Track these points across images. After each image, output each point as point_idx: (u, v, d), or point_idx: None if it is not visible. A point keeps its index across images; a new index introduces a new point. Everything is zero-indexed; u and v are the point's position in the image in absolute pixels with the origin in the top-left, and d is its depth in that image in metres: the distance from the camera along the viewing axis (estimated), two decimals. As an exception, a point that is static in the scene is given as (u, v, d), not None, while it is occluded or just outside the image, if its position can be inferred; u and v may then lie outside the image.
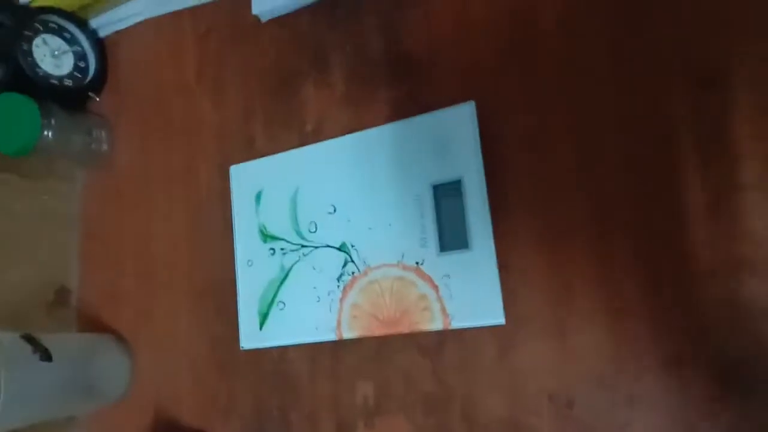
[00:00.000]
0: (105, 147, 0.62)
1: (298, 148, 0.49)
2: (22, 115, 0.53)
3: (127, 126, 0.62)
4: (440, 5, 0.46)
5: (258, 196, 0.50)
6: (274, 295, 0.48)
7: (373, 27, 0.49)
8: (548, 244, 0.41)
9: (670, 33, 0.39)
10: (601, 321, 0.39)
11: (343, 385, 0.46)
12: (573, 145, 0.41)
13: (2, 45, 0.55)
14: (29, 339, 0.48)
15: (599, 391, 0.38)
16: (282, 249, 0.48)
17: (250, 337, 0.49)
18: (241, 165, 0.52)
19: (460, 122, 0.42)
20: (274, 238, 0.49)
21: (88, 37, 0.61)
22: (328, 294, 0.46)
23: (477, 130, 0.42)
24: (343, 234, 0.46)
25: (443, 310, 0.41)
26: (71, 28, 0.60)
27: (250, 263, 0.50)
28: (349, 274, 0.45)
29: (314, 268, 0.46)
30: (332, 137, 0.48)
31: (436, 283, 0.42)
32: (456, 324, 0.41)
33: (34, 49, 0.56)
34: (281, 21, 0.54)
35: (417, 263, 0.43)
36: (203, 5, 0.58)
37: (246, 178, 0.51)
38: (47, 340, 0.49)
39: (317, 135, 0.50)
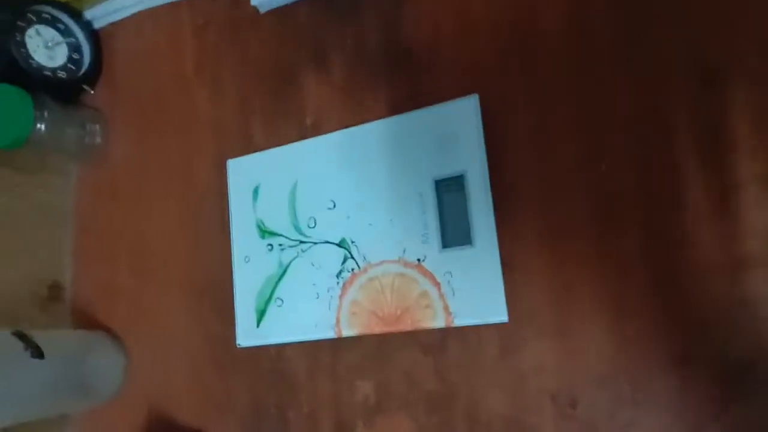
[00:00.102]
0: (99, 140, 0.60)
1: (297, 142, 0.48)
2: (15, 107, 0.52)
3: (122, 119, 0.61)
4: (443, -3, 0.46)
5: (256, 191, 0.49)
6: (272, 292, 0.47)
7: (374, 19, 0.48)
8: (552, 241, 0.40)
9: (673, 31, 0.38)
10: (604, 319, 0.38)
11: (343, 383, 0.46)
12: (577, 141, 0.40)
13: (-6, 36, 0.54)
14: (21, 336, 0.47)
15: (602, 391, 0.38)
16: (280, 245, 0.47)
17: (247, 334, 0.48)
18: (239, 159, 0.51)
19: (463, 116, 0.42)
20: (272, 233, 0.48)
21: (82, 29, 0.60)
22: (328, 291, 0.45)
23: (480, 124, 0.41)
24: (343, 230, 0.45)
25: (445, 307, 0.40)
26: (65, 19, 0.59)
27: (247, 259, 0.49)
28: (348, 271, 0.44)
29: (313, 265, 0.46)
30: (332, 131, 0.47)
31: (438, 280, 0.41)
32: (458, 322, 0.40)
33: (27, 40, 0.55)
34: (280, 12, 0.53)
35: (419, 260, 0.42)
36: (200, -4, 0.57)
37: (243, 172, 0.50)
38: (39, 336, 0.48)
39: (316, 129, 0.49)
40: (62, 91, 0.59)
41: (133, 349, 0.56)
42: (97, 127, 0.60)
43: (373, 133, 0.45)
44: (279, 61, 0.52)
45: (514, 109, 0.42)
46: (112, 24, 0.62)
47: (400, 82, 0.46)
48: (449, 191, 0.42)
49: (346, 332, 0.44)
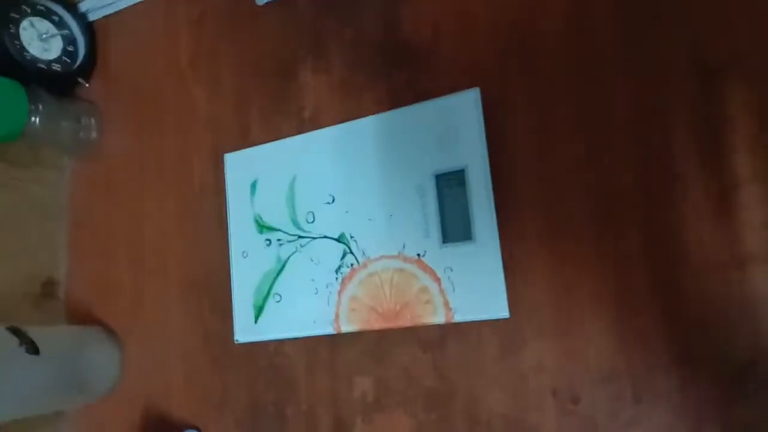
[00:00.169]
0: (94, 134, 0.60)
1: (295, 135, 0.48)
2: (9, 99, 0.51)
3: (118, 113, 0.60)
4: (443, -10, 0.45)
5: (254, 185, 0.49)
6: (270, 288, 0.47)
7: (374, 11, 0.48)
8: (553, 237, 0.40)
9: (673, 30, 0.38)
10: (607, 316, 0.38)
11: (341, 379, 0.45)
12: (578, 137, 0.40)
13: (-13, 27, 0.53)
14: (15, 331, 0.46)
15: (604, 389, 0.37)
16: (278, 240, 0.47)
17: (245, 330, 0.47)
18: (237, 153, 0.50)
19: (464, 109, 0.41)
20: (270, 228, 0.47)
21: (77, 21, 0.59)
22: (326, 286, 0.44)
23: (482, 118, 0.41)
24: (342, 224, 0.44)
25: (446, 303, 0.40)
26: (60, 11, 0.58)
27: (245, 254, 0.48)
28: (347, 266, 0.44)
29: (312, 260, 0.45)
30: (331, 125, 0.47)
31: (439, 275, 0.41)
32: (459, 317, 0.40)
33: (21, 32, 0.54)
34: (278, 4, 0.52)
35: (418, 255, 0.41)
36: (197, -12, 0.56)
37: (241, 166, 0.50)
38: (34, 332, 0.47)
39: (315, 122, 0.49)
40: (57, 83, 0.58)
41: (128, 345, 0.56)
42: (92, 120, 0.59)
43: (372, 127, 0.45)
44: (277, 54, 0.52)
45: (514, 105, 0.42)
46: (107, 16, 0.61)
47: (400, 76, 0.46)
48: (450, 186, 0.41)
49: (345, 328, 0.43)
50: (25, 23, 0.55)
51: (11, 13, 0.54)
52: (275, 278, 0.46)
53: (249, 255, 0.48)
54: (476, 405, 0.41)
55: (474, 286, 0.40)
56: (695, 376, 0.36)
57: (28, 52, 0.55)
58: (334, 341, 0.46)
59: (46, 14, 0.57)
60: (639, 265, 0.37)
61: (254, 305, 0.47)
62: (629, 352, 0.37)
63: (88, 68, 0.60)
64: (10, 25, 0.54)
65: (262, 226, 0.48)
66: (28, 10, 0.55)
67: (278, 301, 0.46)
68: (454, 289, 0.40)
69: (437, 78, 0.44)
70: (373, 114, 0.45)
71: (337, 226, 0.45)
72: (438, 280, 0.41)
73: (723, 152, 0.36)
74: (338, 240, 0.44)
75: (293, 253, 0.46)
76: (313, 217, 0.46)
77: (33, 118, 0.53)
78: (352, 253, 0.44)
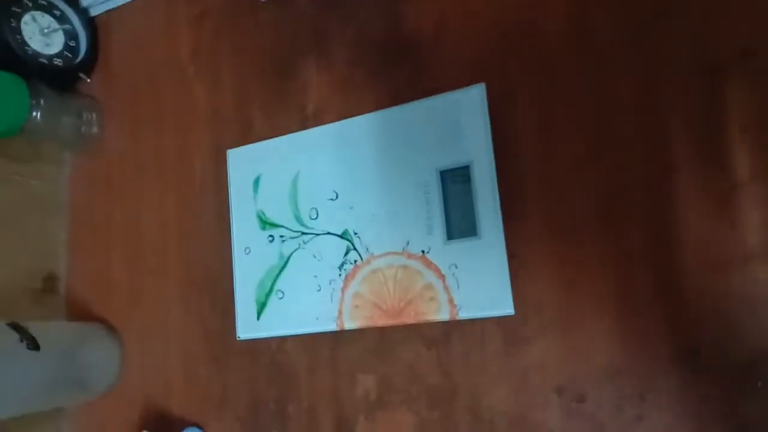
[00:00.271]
0: (95, 130, 0.60)
1: (298, 132, 0.48)
2: (10, 94, 0.51)
3: (119, 109, 0.60)
4: (448, -15, 0.45)
5: (257, 182, 0.48)
6: (273, 284, 0.46)
7: (376, 7, 0.47)
8: (558, 233, 0.40)
9: (678, 27, 0.38)
10: (611, 314, 0.38)
11: (344, 377, 0.45)
12: (584, 133, 0.40)
13: (-11, 21, 0.53)
14: (16, 327, 0.46)
15: (609, 386, 0.37)
16: (281, 236, 0.47)
17: (247, 327, 0.47)
18: (239, 149, 0.50)
19: (469, 105, 0.41)
20: (273, 224, 0.47)
21: (79, 16, 0.59)
22: (330, 283, 0.44)
23: (487, 113, 0.40)
24: (346, 221, 0.44)
25: (450, 299, 0.40)
26: (61, 5, 0.58)
27: (247, 251, 0.48)
28: (351, 263, 0.44)
29: (315, 256, 0.45)
30: (334, 121, 0.46)
31: (443, 272, 0.40)
32: (464, 314, 0.39)
33: (22, 26, 0.54)
34: (279, 1, 0.52)
35: (423, 251, 0.41)
36: (199, -16, 0.56)
37: (244, 162, 0.49)
38: (35, 328, 0.47)
39: (318, 119, 0.48)
40: (58, 78, 0.58)
41: (129, 341, 0.55)
42: (93, 116, 0.59)
43: (376, 124, 0.44)
44: (279, 50, 0.51)
45: (519, 101, 0.42)
46: (109, 11, 0.61)
47: (403, 72, 0.46)
48: (455, 182, 0.41)
49: (349, 325, 0.43)
50: (26, 18, 0.55)
51: (13, 8, 0.53)
52: (278, 275, 0.46)
53: (251, 251, 0.48)
54: (480, 403, 0.40)
55: (479, 283, 0.39)
56: (700, 373, 0.35)
57: (29, 46, 0.54)
58: (337, 338, 0.45)
59: (48, 9, 0.57)
60: (643, 263, 0.37)
61: (256, 302, 0.47)
62: (634, 349, 0.37)
63: (89, 63, 0.60)
64: (12, 20, 0.53)
65: (264, 223, 0.47)
66: (30, 5, 0.55)
67: (281, 298, 0.46)
68: (458, 286, 0.40)
69: (441, 74, 0.44)
70: (377, 110, 0.45)
71: (340, 223, 0.44)
72: (442, 276, 0.40)
73: (725, 151, 0.36)
74: (342, 236, 0.44)
75: (296, 250, 0.46)
76: (317, 214, 0.45)
77: (34, 113, 0.53)
78: (355, 249, 0.43)
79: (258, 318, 0.47)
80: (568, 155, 0.40)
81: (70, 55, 0.58)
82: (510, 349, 0.40)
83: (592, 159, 0.39)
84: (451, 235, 0.41)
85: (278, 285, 0.46)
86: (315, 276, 0.45)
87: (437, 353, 0.42)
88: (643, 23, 0.39)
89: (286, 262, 0.46)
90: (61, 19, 0.58)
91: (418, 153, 0.42)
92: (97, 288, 0.58)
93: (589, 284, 0.38)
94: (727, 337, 0.35)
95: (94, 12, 0.61)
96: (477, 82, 0.42)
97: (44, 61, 0.55)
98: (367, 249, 0.43)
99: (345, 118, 0.46)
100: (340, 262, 0.44)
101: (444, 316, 0.40)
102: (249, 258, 0.48)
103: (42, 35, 0.56)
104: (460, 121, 0.41)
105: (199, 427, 0.50)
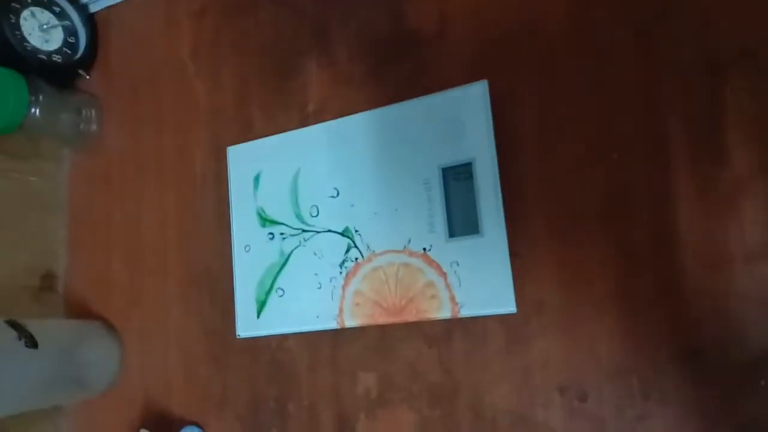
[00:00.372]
0: (94, 127, 0.59)
1: (299, 129, 0.47)
2: (9, 90, 0.51)
3: (118, 106, 0.59)
4: (450, -19, 0.45)
5: (257, 179, 0.48)
6: (273, 282, 0.46)
7: (378, 4, 0.47)
8: (561, 231, 0.39)
9: (684, 23, 0.38)
10: (614, 312, 0.38)
11: (345, 375, 0.45)
12: (587, 130, 0.39)
13: (-12, 17, 0.52)
14: (14, 325, 0.46)
15: (612, 384, 0.37)
16: (281, 234, 0.46)
17: (247, 325, 0.47)
18: (239, 146, 0.50)
19: (472, 102, 0.41)
20: (274, 222, 0.47)
21: (78, 12, 0.58)
22: (330, 281, 0.44)
23: (490, 110, 0.40)
24: (347, 218, 0.44)
25: (452, 297, 0.40)
26: (61, 1, 0.58)
27: (247, 248, 0.48)
28: (352, 260, 0.43)
29: (315, 254, 0.45)
30: (335, 118, 0.46)
31: (445, 270, 0.40)
32: (465, 312, 0.39)
33: (22, 22, 0.54)
34: (282, -4, 0.52)
35: (424, 249, 0.41)
36: (199, -20, 0.56)
37: (244, 159, 0.49)
38: (33, 326, 0.47)
39: (319, 116, 0.48)
40: (57, 75, 0.57)
41: (128, 340, 0.55)
42: (93, 112, 0.59)
43: (377, 121, 0.44)
44: (280, 46, 0.51)
45: (522, 98, 0.41)
46: (109, 8, 0.61)
47: (405, 69, 0.45)
48: (456, 179, 0.41)
49: (349, 323, 0.43)
50: (26, 13, 0.54)
51: (12, 3, 0.53)
52: (278, 272, 0.46)
53: (252, 249, 0.47)
54: (481, 401, 0.40)
55: (480, 281, 0.39)
56: (704, 372, 0.35)
57: (28, 42, 0.54)
58: (338, 336, 0.45)
59: (47, 5, 0.56)
60: (645, 262, 0.37)
61: (257, 300, 0.47)
62: (636, 348, 0.37)
63: (88, 60, 0.60)
64: (11, 15, 0.53)
65: (265, 220, 0.47)
66: (29, 1, 0.55)
67: (281, 296, 0.46)
68: (460, 284, 0.40)
69: (443, 71, 0.44)
70: (379, 107, 0.44)
71: (341, 220, 0.44)
72: (444, 274, 0.40)
73: (726, 151, 0.36)
74: (342, 234, 0.44)
75: (296, 247, 0.45)
76: (317, 211, 0.45)
77: (33, 110, 0.53)
78: (356, 247, 0.43)
79: (258, 316, 0.46)
80: (570, 154, 0.40)
81: (69, 52, 0.58)
82: (512, 347, 0.40)
83: (596, 156, 0.39)
84: (452, 233, 0.40)
85: (278, 283, 0.46)
86: (315, 274, 0.44)
87: (438, 351, 0.42)
88: (644, 23, 0.39)
89: (287, 260, 0.46)
90: (61, 15, 0.57)
91: (419, 150, 0.42)
92: (96, 286, 0.58)
93: (591, 283, 0.38)
94: (729, 337, 0.35)
95: (93, 8, 0.61)
96: (479, 79, 0.41)
97: (43, 57, 0.55)
98: (368, 246, 0.43)
99: (347, 115, 0.46)
100: (340, 260, 0.44)
101: (445, 314, 0.40)
102: (249, 256, 0.48)
103: (41, 31, 0.55)
104: (462, 118, 0.41)
105: (198, 425, 0.49)
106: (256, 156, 0.48)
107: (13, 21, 0.53)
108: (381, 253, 0.42)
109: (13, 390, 0.45)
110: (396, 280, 0.42)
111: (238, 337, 0.47)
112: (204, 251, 0.52)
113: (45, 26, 0.56)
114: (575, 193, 0.39)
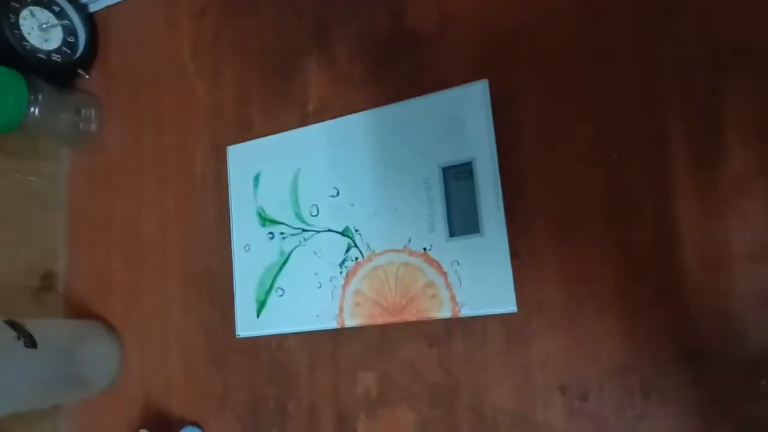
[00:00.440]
0: (94, 127, 0.59)
1: (299, 128, 0.47)
2: (8, 89, 0.50)
3: (118, 105, 0.59)
4: (450, -20, 0.45)
5: (257, 178, 0.48)
6: (273, 281, 0.46)
7: (378, 3, 0.47)
8: (562, 230, 0.39)
9: (687, 21, 0.37)
10: (615, 311, 0.37)
11: (344, 375, 0.45)
12: (588, 129, 0.39)
13: (-13, 16, 0.52)
14: (13, 324, 0.46)
15: (613, 384, 0.37)
16: (281, 233, 0.46)
17: (247, 324, 0.47)
18: (239, 145, 0.50)
19: (472, 101, 0.41)
20: (273, 221, 0.47)
21: (78, 11, 0.58)
22: (330, 280, 0.44)
23: (490, 109, 0.40)
24: (347, 218, 0.44)
25: (452, 297, 0.40)
26: (60, 1, 0.57)
27: (247, 248, 0.48)
28: (352, 260, 0.43)
29: (315, 254, 0.45)
30: (335, 117, 0.46)
31: (445, 269, 0.40)
32: (466, 312, 0.39)
33: (21, 21, 0.54)
34: (282, -5, 0.52)
35: (425, 249, 0.41)
36: (199, -21, 0.56)
37: (244, 159, 0.49)
38: (32, 325, 0.47)
39: (319, 115, 0.48)
40: (56, 74, 0.57)
41: (128, 340, 0.55)
42: (92, 112, 0.59)
43: (378, 120, 0.44)
44: (280, 46, 0.51)
45: (522, 97, 0.41)
46: (108, 7, 0.61)
47: (405, 68, 0.45)
48: (457, 179, 0.41)
49: (349, 322, 0.43)
50: (25, 13, 0.54)
51: (12, 2, 0.53)
52: (278, 272, 0.46)
53: (251, 248, 0.47)
54: (482, 401, 0.40)
55: (481, 281, 0.39)
56: (704, 371, 0.35)
57: (28, 42, 0.54)
58: (338, 336, 0.45)
59: (47, 4, 0.56)
60: (648, 260, 0.37)
61: (256, 299, 0.46)
62: (637, 348, 0.37)
63: (88, 59, 0.60)
64: (10, 15, 0.53)
65: (264, 219, 0.47)
66: (29, 0, 0.55)
67: (281, 296, 0.46)
68: (460, 283, 0.39)
69: (443, 70, 0.44)
70: (380, 106, 0.44)
71: (341, 220, 0.44)
72: (444, 274, 0.40)
73: (734, 147, 0.36)
74: (343, 233, 0.44)
75: (296, 247, 0.45)
76: (317, 211, 0.45)
77: (32, 109, 0.53)
78: (356, 246, 0.43)
79: (258, 316, 0.46)
80: (570, 153, 0.40)
81: (68, 51, 0.58)
82: (512, 347, 0.40)
83: (597, 155, 0.39)
84: (453, 232, 0.40)
85: (278, 282, 0.46)
86: (315, 273, 0.44)
87: (439, 351, 0.42)
88: (645, 22, 0.38)
89: (287, 260, 0.46)
90: (60, 14, 0.57)
91: (420, 149, 0.42)
92: (96, 286, 0.58)
93: (592, 282, 0.38)
94: (729, 337, 0.35)
95: (93, 8, 0.60)
96: (479, 78, 0.41)
97: (43, 56, 0.55)
98: (368, 246, 0.43)
99: (347, 114, 0.46)
100: (341, 260, 0.44)
101: (446, 313, 0.40)
102: (249, 255, 0.47)
103: (41, 30, 0.55)
104: (462, 118, 0.41)
105: (198, 425, 0.49)
106: (256, 156, 0.48)
107: (12, 20, 0.53)
108: (381, 253, 0.42)
109: (13, 390, 0.45)
110: (396, 280, 0.41)
111: (237, 336, 0.47)
112: (204, 251, 0.52)
113: (44, 25, 0.55)
114: (576, 192, 0.39)
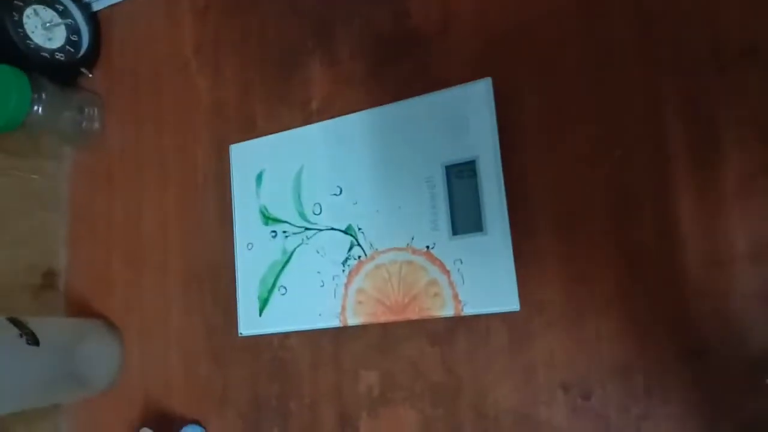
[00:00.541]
0: (96, 125, 0.59)
1: (302, 126, 0.47)
2: (12, 87, 0.51)
3: (121, 104, 0.59)
4: (454, -20, 0.45)
5: (259, 177, 0.48)
6: (275, 280, 0.46)
7: (381, 0, 0.47)
8: (565, 229, 0.39)
9: (689, 20, 0.38)
10: (618, 310, 0.38)
11: (347, 373, 0.45)
12: (591, 128, 0.39)
13: (-9, 15, 0.52)
14: (15, 322, 0.46)
15: (615, 382, 0.37)
16: (284, 232, 0.46)
17: (249, 323, 0.47)
18: (242, 144, 0.49)
19: (475, 99, 0.41)
20: (276, 220, 0.47)
21: (81, 10, 0.59)
22: (333, 279, 0.44)
23: (493, 108, 0.40)
24: (350, 216, 0.44)
25: (455, 295, 0.40)
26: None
27: (250, 246, 0.48)
28: (355, 258, 0.43)
29: (318, 252, 0.45)
30: (338, 115, 0.46)
31: (448, 267, 0.40)
32: (468, 310, 0.39)
33: (25, 20, 0.54)
34: (285, -6, 0.52)
35: (427, 247, 0.41)
36: (203, -22, 0.56)
37: (247, 157, 0.49)
38: (34, 323, 0.47)
39: (322, 113, 0.48)
40: (60, 73, 0.57)
41: (129, 338, 0.55)
42: (95, 111, 0.59)
43: (381, 118, 0.44)
44: (283, 44, 0.51)
45: (526, 95, 0.41)
46: (111, 6, 0.61)
47: (409, 66, 0.45)
48: (460, 177, 0.41)
49: (352, 321, 0.43)
50: (29, 11, 0.54)
51: (15, 1, 0.53)
52: (281, 270, 0.46)
53: (254, 247, 0.47)
54: (484, 400, 0.40)
55: (484, 279, 0.39)
56: (708, 370, 0.35)
57: (31, 40, 0.54)
58: (340, 334, 0.45)
59: (51, 3, 0.56)
60: (651, 258, 0.37)
61: (259, 298, 0.46)
62: (639, 347, 0.37)
63: (91, 58, 0.60)
64: (14, 13, 0.53)
65: (267, 218, 0.47)
66: (33, -1, 0.55)
67: (283, 294, 0.46)
68: (463, 282, 0.39)
69: (447, 69, 0.44)
70: (383, 105, 0.44)
71: (344, 218, 0.44)
72: (447, 272, 0.40)
73: (737, 145, 0.36)
74: (345, 232, 0.44)
75: (299, 245, 0.45)
76: (320, 209, 0.45)
77: (35, 107, 0.53)
78: (359, 245, 0.43)
79: (260, 314, 0.46)
80: (573, 152, 0.40)
81: (72, 50, 0.58)
82: (515, 345, 0.40)
83: (600, 154, 0.39)
84: (456, 231, 0.40)
85: (281, 281, 0.46)
86: (318, 272, 0.44)
87: (441, 350, 0.42)
88: (646, 22, 0.39)
89: (289, 258, 0.46)
90: (64, 13, 0.57)
91: (423, 148, 0.42)
92: (96, 284, 0.58)
93: (595, 281, 0.38)
94: (731, 336, 0.35)
95: (96, 7, 0.60)
96: (483, 76, 0.41)
97: (46, 55, 0.55)
98: (371, 244, 0.43)
99: (350, 112, 0.46)
100: (343, 258, 0.44)
101: (449, 312, 0.40)
102: (251, 254, 0.47)
103: (44, 29, 0.55)
104: (466, 116, 0.41)
105: (200, 424, 0.49)
106: (259, 154, 0.48)
107: (16, 19, 0.53)
108: (384, 251, 0.42)
109: (14, 388, 0.45)
110: (399, 278, 0.42)
111: (239, 335, 0.47)
112: (206, 249, 0.52)
113: (48, 24, 0.56)
114: (576, 192, 0.39)
